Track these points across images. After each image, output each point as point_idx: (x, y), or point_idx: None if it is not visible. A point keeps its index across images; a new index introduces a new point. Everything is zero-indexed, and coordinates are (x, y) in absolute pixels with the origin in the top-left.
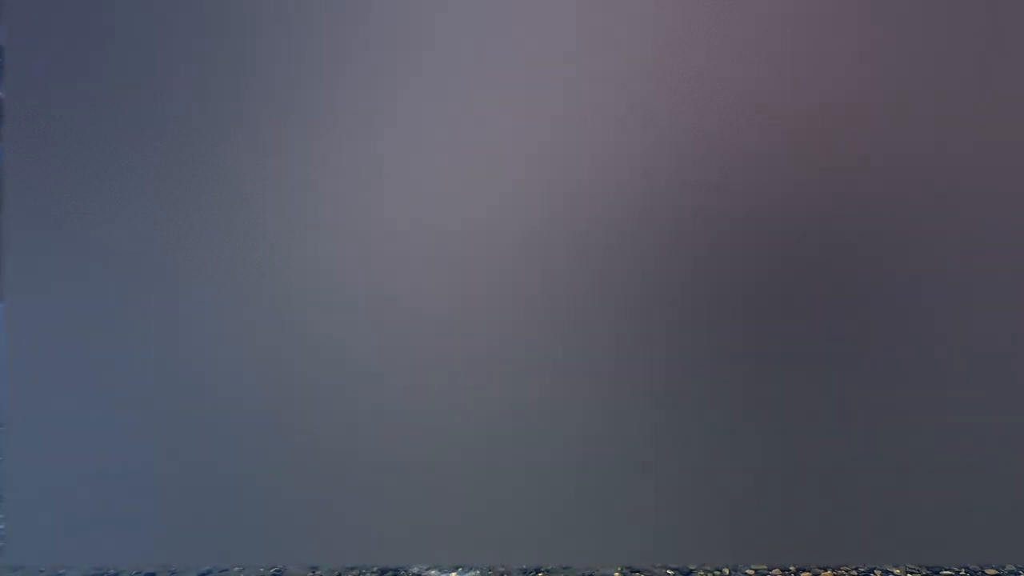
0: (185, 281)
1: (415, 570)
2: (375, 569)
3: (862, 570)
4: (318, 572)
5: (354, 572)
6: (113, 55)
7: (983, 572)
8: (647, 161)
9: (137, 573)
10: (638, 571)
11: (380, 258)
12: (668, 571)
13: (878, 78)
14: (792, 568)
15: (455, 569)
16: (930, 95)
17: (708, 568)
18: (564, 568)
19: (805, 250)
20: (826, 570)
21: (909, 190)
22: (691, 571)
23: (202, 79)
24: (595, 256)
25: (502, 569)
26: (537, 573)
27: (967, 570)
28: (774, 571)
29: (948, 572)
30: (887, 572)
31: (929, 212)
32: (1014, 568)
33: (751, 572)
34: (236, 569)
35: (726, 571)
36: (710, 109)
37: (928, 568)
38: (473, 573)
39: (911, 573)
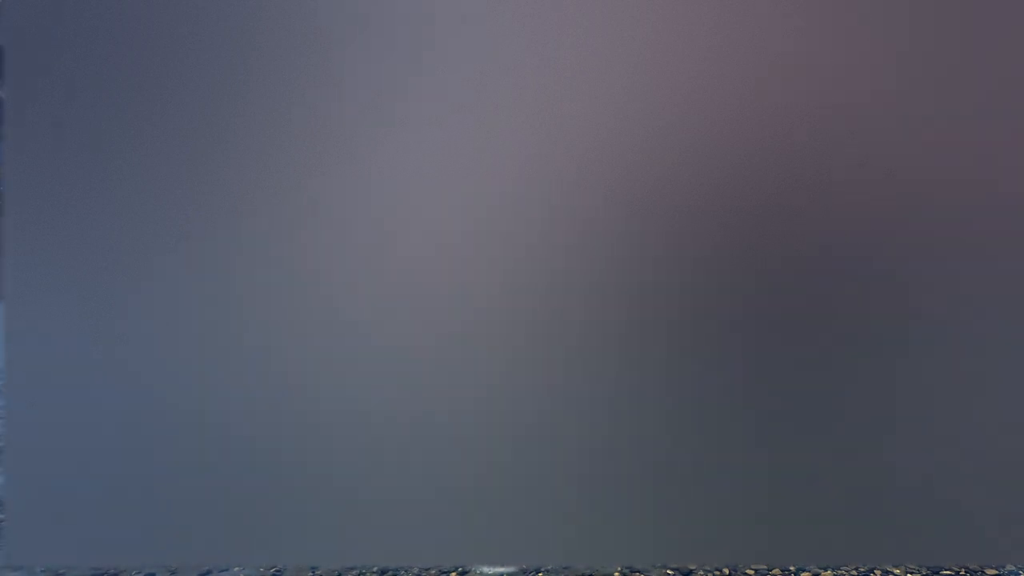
0: (185, 281)
1: (415, 571)
2: (375, 569)
3: (862, 570)
4: (318, 572)
5: (354, 572)
6: (113, 56)
7: (983, 572)
8: (647, 163)
9: (137, 573)
10: (638, 571)
11: (382, 258)
12: (668, 571)
13: (878, 79)
14: (792, 568)
15: (455, 569)
16: (931, 96)
17: (708, 568)
18: (564, 568)
19: (806, 251)
20: (826, 570)
21: (909, 190)
22: (691, 571)
23: (203, 80)
24: (595, 256)
25: (502, 569)
26: (537, 573)
27: (967, 570)
28: (774, 571)
29: (948, 572)
30: (887, 572)
31: (928, 213)
32: (1014, 568)
33: (751, 572)
34: (236, 569)
35: (726, 571)
36: (710, 109)
37: (928, 568)
38: (473, 573)
39: (911, 573)
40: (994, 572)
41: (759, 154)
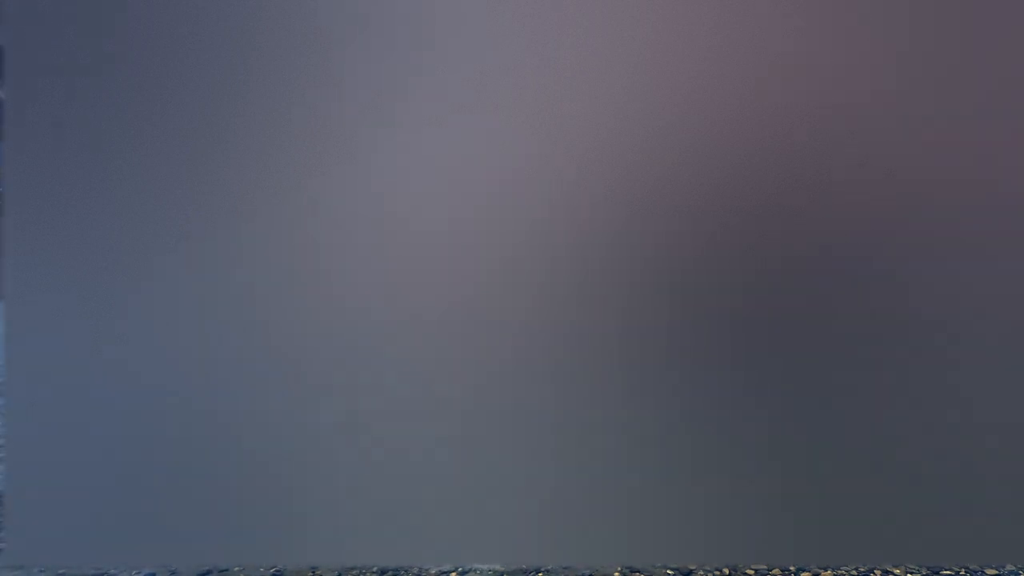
0: (185, 282)
1: (415, 571)
2: (375, 569)
3: (862, 570)
4: (318, 572)
5: (354, 572)
6: (113, 56)
7: (983, 572)
8: (646, 162)
9: (137, 573)
10: (638, 571)
11: (380, 259)
12: (668, 571)
13: (878, 79)
14: (792, 568)
15: (455, 569)
16: (931, 96)
17: (708, 568)
18: (564, 568)
19: (806, 251)
20: (826, 570)
21: (909, 190)
22: (691, 571)
23: (203, 79)
24: (595, 256)
25: (502, 569)
26: (537, 573)
27: (967, 570)
28: (774, 571)
29: (948, 572)
30: (887, 572)
31: (928, 213)
32: (1014, 568)
33: (751, 572)
34: (236, 569)
35: (726, 571)
36: (709, 110)
37: (928, 568)
38: (473, 574)
39: (911, 573)
40: (994, 572)
41: (759, 154)
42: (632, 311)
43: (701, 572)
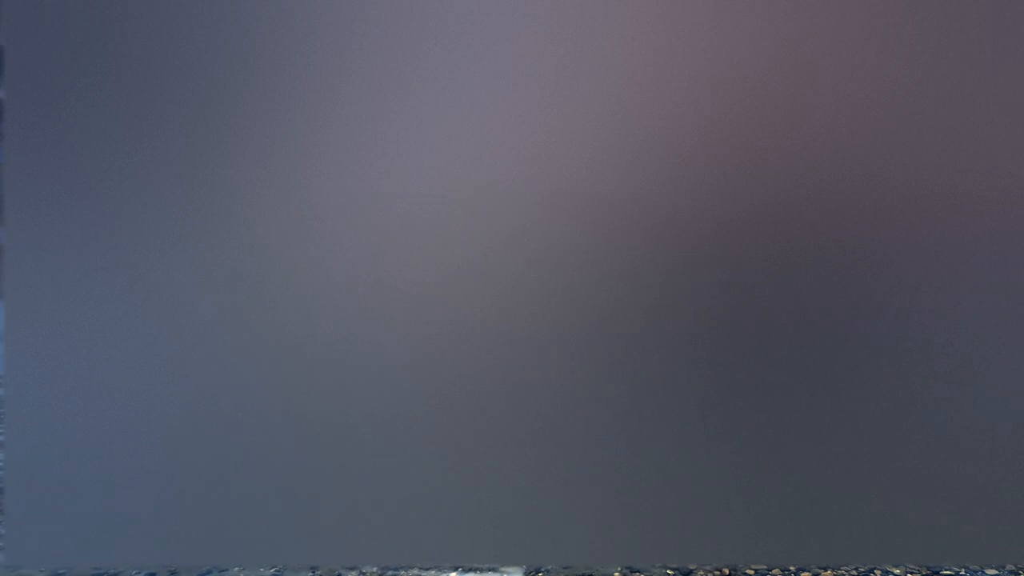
0: (185, 281)
1: (414, 571)
2: (375, 569)
3: (862, 570)
4: (318, 572)
5: (354, 572)
6: (113, 55)
7: (983, 572)
8: (646, 162)
9: (137, 573)
10: (638, 571)
11: (380, 259)
12: (668, 571)
13: (878, 80)
14: (792, 568)
15: (455, 569)
16: (931, 96)
17: (708, 568)
18: (564, 568)
19: (805, 251)
20: (826, 570)
21: (909, 190)
22: (691, 571)
23: (202, 80)
24: (595, 258)
25: (502, 569)
26: (537, 573)
27: (967, 570)
28: (774, 571)
29: (948, 572)
30: (887, 572)
31: (929, 213)
32: (1014, 568)
33: (751, 572)
34: (236, 569)
35: (726, 571)
36: (710, 110)
37: (928, 568)
38: (473, 574)
39: (911, 573)
40: (994, 572)
41: (759, 156)
42: (633, 313)
43: (701, 572)
